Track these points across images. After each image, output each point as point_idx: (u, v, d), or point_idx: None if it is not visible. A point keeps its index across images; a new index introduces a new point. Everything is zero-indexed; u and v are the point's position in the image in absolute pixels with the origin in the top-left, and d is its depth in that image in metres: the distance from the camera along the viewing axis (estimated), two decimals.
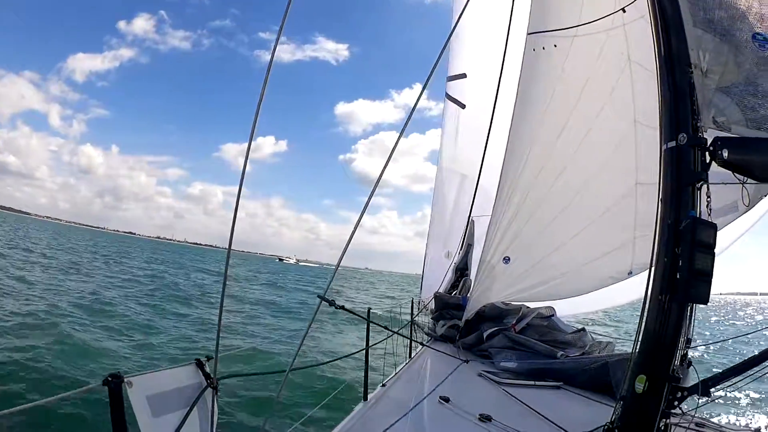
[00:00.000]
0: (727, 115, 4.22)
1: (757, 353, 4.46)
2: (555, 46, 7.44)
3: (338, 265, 4.09)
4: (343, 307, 4.59)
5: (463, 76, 11.87)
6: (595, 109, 7.50)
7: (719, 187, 4.43)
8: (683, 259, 4.03)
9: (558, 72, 7.52)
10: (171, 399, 2.87)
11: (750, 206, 6.77)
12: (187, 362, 3.11)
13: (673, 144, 4.31)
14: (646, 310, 4.30)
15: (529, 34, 7.52)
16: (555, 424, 4.46)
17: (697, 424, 4.99)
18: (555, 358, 7.08)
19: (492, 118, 9.22)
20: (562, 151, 7.65)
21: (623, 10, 6.90)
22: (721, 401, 14.00)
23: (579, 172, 7.69)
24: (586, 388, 6.18)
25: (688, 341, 4.65)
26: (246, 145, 3.53)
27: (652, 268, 4.31)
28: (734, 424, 11.85)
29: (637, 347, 4.31)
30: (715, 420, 5.61)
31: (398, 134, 4.37)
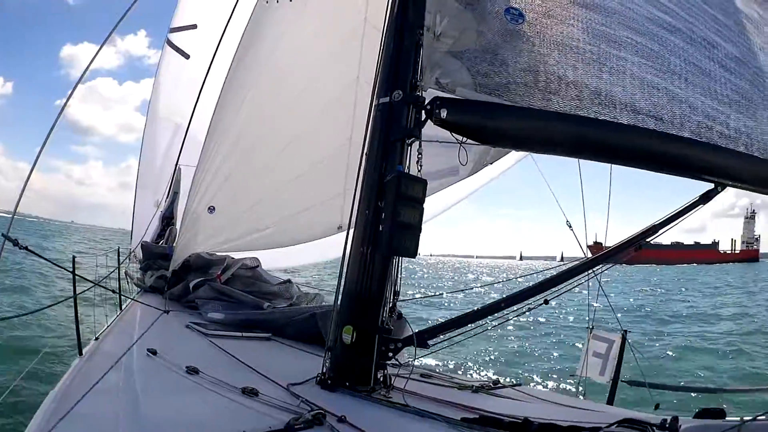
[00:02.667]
0: (454, 78, 4.33)
1: (475, 309, 4.72)
2: (289, 0, 7.36)
3: (15, 211, 4.01)
4: (27, 248, 4.27)
5: (194, 26, 11.47)
6: (319, 65, 7.65)
7: (446, 149, 4.59)
8: (386, 212, 4.14)
9: (286, 25, 7.49)
10: None
11: (473, 170, 7.17)
12: None
13: (386, 100, 4.44)
14: (346, 262, 4.41)
15: None
16: (264, 376, 4.39)
17: (423, 375, 5.15)
18: (262, 309, 7.10)
19: (209, 68, 9.04)
20: (277, 104, 7.71)
21: None
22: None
23: (292, 126, 7.82)
24: (295, 339, 6.23)
25: (396, 293, 4.80)
26: None
27: (353, 220, 4.44)
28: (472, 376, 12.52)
29: (339, 298, 4.42)
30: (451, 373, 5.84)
31: (77, 81, 4.20)
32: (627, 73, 4.19)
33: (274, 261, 9.47)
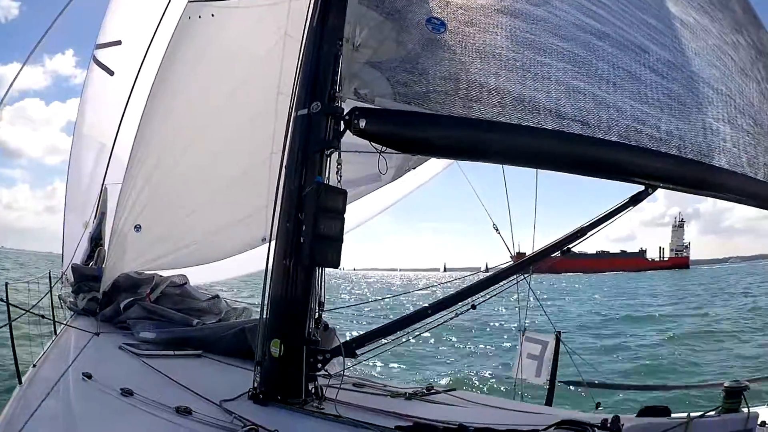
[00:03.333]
0: (373, 88, 4.33)
1: (402, 316, 4.78)
2: (212, 15, 7.34)
3: None
4: None
5: (118, 43, 11.21)
6: (240, 79, 7.68)
7: (368, 156, 4.61)
8: (306, 224, 4.17)
9: (208, 41, 7.47)
10: None
11: (395, 175, 7.23)
12: None
13: (304, 112, 4.47)
14: (269, 275, 4.42)
15: (189, 1, 7.31)
16: (197, 394, 4.36)
17: (355, 385, 5.16)
18: (192, 326, 7.05)
19: (133, 85, 8.94)
20: (199, 120, 7.70)
21: None
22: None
23: (215, 141, 7.83)
24: (226, 355, 6.18)
25: (321, 304, 4.77)
26: None
27: (274, 233, 4.50)
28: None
29: (266, 312, 4.43)
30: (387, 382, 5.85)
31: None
32: (552, 79, 4.22)
33: (201, 277, 9.44)
